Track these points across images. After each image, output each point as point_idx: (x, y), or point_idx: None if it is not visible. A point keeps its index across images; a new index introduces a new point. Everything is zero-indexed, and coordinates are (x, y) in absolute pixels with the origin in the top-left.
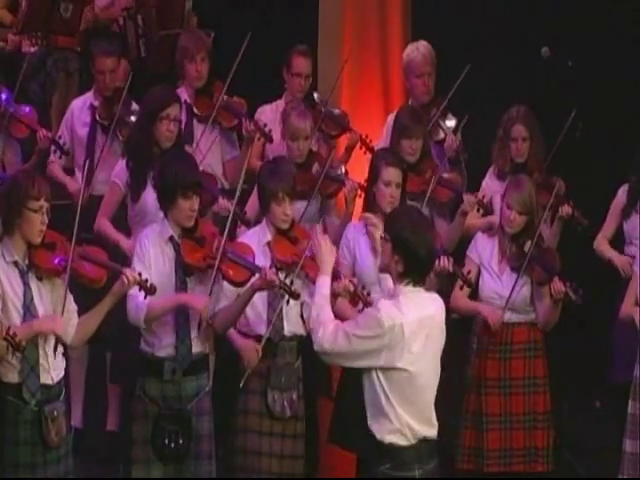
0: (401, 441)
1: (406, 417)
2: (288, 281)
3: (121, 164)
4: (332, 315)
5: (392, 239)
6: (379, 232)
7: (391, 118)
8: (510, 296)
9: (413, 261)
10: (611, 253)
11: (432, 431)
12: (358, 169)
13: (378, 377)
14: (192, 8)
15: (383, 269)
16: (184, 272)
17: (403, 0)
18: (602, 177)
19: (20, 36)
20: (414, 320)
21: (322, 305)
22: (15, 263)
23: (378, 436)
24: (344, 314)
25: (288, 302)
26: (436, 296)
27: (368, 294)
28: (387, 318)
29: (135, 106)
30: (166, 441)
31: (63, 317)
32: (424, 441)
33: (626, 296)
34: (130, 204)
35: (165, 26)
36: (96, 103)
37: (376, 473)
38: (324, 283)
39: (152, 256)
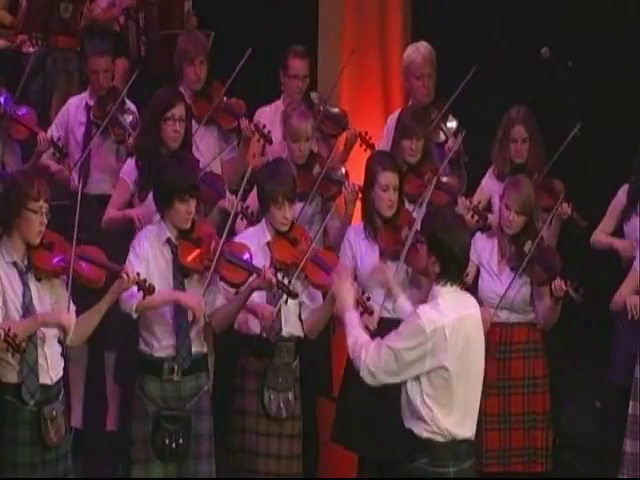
0: (438, 438)
1: (443, 421)
2: (286, 281)
3: (130, 162)
4: (369, 337)
5: (427, 240)
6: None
7: (391, 119)
8: (505, 294)
9: (449, 260)
10: (610, 239)
11: (470, 432)
12: (360, 169)
13: (417, 380)
14: (192, 8)
15: (420, 271)
16: (182, 274)
17: (403, 0)
18: (602, 178)
19: (20, 36)
20: (454, 320)
21: (357, 334)
22: (14, 264)
23: (416, 431)
24: None
25: (286, 302)
26: (471, 297)
27: (368, 299)
28: (428, 323)
29: (129, 105)
30: (167, 441)
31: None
32: (462, 441)
33: (621, 286)
34: (137, 203)
35: (166, 26)
36: (91, 102)
37: (412, 467)
38: (352, 317)
39: (150, 257)
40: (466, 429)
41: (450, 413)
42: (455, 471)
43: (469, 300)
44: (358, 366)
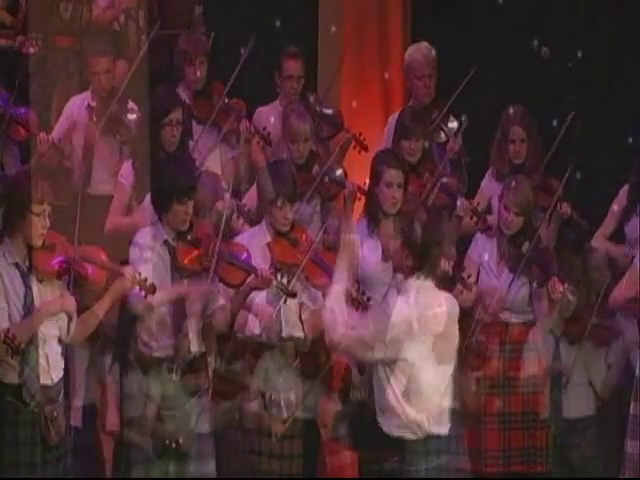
0: (409, 435)
1: (413, 413)
2: (285, 281)
3: (127, 165)
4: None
5: (402, 235)
6: None
7: (392, 119)
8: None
9: (422, 255)
10: (607, 245)
11: (442, 428)
12: (358, 169)
13: (385, 372)
14: (202, 14)
15: (396, 268)
16: (180, 275)
17: (403, 1)
18: (602, 178)
19: (20, 36)
20: (422, 315)
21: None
22: (16, 265)
23: (386, 429)
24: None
25: (285, 301)
26: (448, 295)
27: (368, 299)
28: (397, 314)
29: (132, 104)
30: (167, 441)
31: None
32: (434, 437)
33: (620, 283)
34: (135, 206)
35: (166, 25)
36: (93, 103)
37: (384, 466)
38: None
39: (148, 258)
40: (439, 425)
41: (421, 407)
42: (427, 468)
43: (441, 295)
44: (328, 329)
